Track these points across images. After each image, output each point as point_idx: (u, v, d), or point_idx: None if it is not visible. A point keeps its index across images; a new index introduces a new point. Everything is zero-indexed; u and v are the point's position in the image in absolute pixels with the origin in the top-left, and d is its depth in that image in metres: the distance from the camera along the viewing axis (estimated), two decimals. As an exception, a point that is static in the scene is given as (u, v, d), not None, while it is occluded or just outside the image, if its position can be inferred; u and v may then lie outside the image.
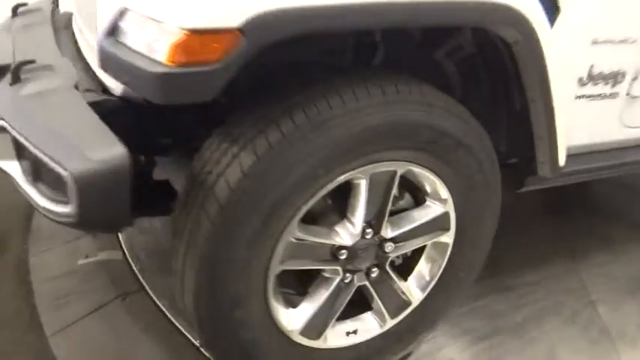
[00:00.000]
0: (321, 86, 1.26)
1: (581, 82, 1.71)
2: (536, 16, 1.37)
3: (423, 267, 1.62)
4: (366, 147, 1.27)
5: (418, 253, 1.63)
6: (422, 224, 1.51)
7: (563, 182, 1.94)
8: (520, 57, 1.41)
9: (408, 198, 1.54)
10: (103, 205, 1.06)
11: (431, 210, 1.51)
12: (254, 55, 1.04)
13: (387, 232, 1.47)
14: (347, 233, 1.41)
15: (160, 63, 1.02)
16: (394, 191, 1.41)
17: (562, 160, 1.68)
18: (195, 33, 1.00)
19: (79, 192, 1.04)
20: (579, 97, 1.73)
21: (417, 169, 1.41)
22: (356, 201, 1.38)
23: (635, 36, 1.73)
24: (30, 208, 2.29)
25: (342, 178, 1.30)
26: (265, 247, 1.27)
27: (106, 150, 1.05)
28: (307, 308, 1.45)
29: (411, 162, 1.38)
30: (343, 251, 1.42)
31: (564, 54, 1.61)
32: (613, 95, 1.80)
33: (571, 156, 1.80)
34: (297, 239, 1.32)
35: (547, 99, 1.49)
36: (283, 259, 1.32)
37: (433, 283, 1.61)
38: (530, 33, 1.36)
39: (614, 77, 1.77)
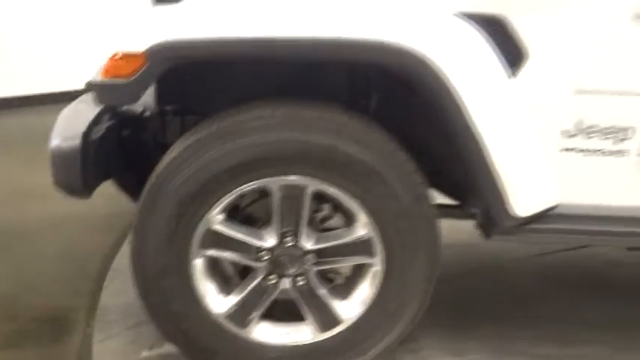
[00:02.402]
0: (249, 103, 1.55)
1: (567, 134, 1.63)
2: (445, 59, 1.43)
3: (357, 289, 1.70)
4: (261, 162, 1.51)
5: (358, 274, 1.72)
6: (343, 244, 1.63)
7: (549, 240, 1.79)
8: (427, 94, 1.47)
9: (340, 218, 1.68)
10: (61, 172, 1.55)
11: (353, 231, 1.63)
12: (160, 73, 1.42)
13: (307, 244, 1.63)
14: (267, 237, 1.63)
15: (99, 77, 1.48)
16: (308, 205, 1.58)
17: (521, 210, 1.61)
18: (115, 56, 1.42)
19: (50, 161, 1.55)
20: (567, 149, 1.64)
21: (333, 190, 1.57)
22: (272, 208, 1.60)
23: (640, 88, 1.58)
24: (97, 285, 2.32)
25: (250, 185, 1.55)
26: (185, 230, 1.58)
27: (69, 137, 1.54)
28: (235, 297, 1.69)
29: (323, 181, 1.55)
30: (264, 253, 1.63)
31: (536, 102, 1.58)
32: (619, 153, 1.64)
33: (563, 215, 1.70)
34: (216, 231, 1.60)
35: (471, 142, 1.50)
36: (204, 245, 1.61)
37: (363, 308, 1.68)
38: (435, 75, 1.43)
39: (617, 132, 1.62)
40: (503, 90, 1.56)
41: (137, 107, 1.91)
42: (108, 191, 1.93)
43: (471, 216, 1.82)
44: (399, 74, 1.49)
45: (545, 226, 1.69)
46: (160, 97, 1.85)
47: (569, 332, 1.99)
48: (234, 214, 1.68)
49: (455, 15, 1.51)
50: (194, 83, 1.76)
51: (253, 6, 1.48)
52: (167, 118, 1.86)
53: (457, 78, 1.46)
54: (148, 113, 1.89)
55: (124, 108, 1.90)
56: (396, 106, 1.81)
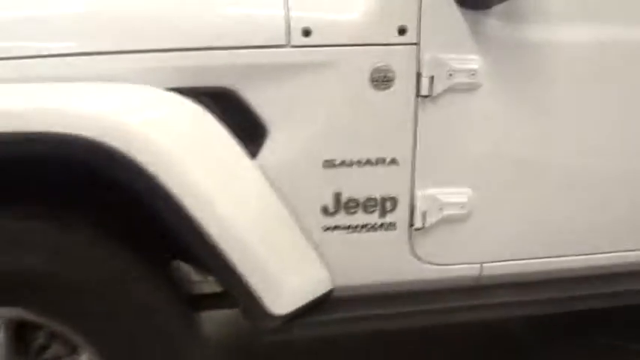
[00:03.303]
0: None
1: (328, 212, 1.44)
2: (146, 149, 1.19)
3: None
4: None
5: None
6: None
7: (333, 331, 1.58)
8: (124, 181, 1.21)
9: (59, 348, 1.35)
10: None
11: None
12: None
13: (15, 386, 1.29)
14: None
15: None
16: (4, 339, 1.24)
17: (280, 308, 1.37)
18: None
19: None
20: (330, 228, 1.46)
21: (31, 315, 1.24)
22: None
23: (393, 155, 1.44)
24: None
25: None
26: None
27: None
28: None
29: (13, 307, 1.23)
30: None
31: (285, 181, 1.39)
32: (388, 226, 1.48)
33: (345, 299, 1.50)
34: None
35: (199, 242, 1.25)
36: None
37: None
38: (135, 170, 1.17)
39: (379, 204, 1.47)
40: (240, 173, 1.35)
41: None
42: None
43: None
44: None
45: (320, 318, 1.47)
46: None
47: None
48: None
49: (168, 91, 1.29)
50: None
51: None
52: None
53: (167, 170, 1.19)
54: None
55: None
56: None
